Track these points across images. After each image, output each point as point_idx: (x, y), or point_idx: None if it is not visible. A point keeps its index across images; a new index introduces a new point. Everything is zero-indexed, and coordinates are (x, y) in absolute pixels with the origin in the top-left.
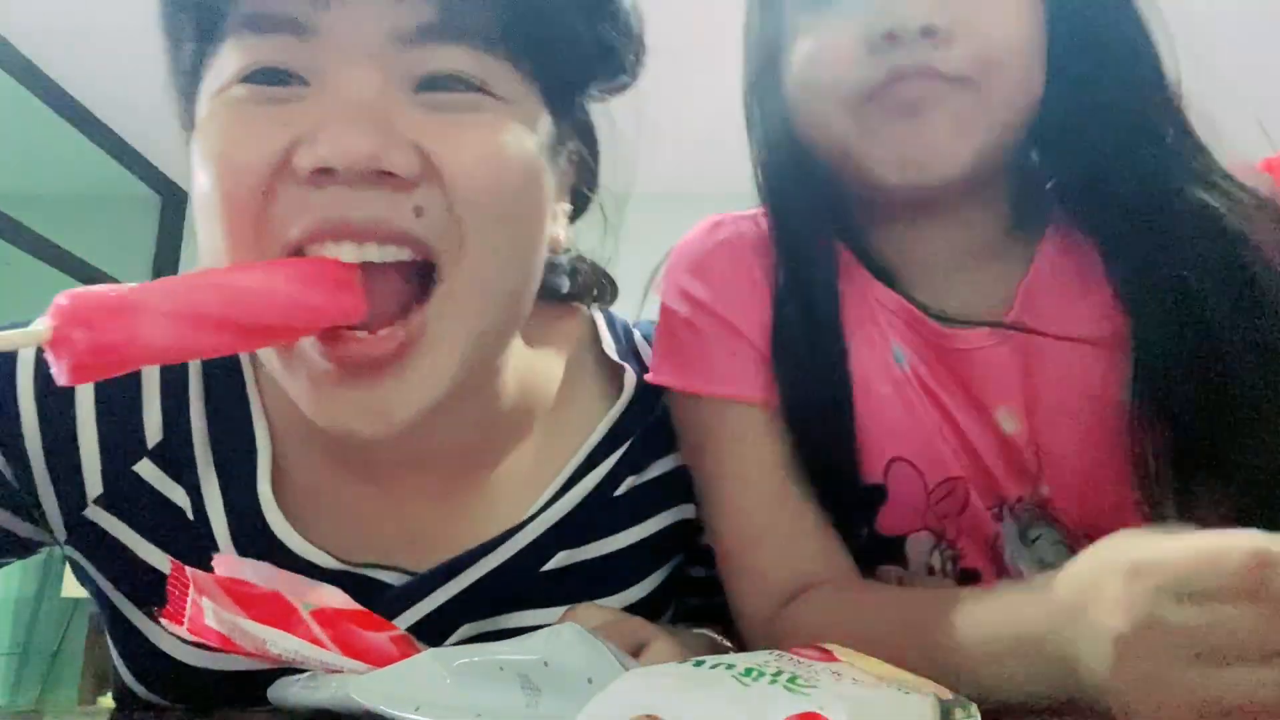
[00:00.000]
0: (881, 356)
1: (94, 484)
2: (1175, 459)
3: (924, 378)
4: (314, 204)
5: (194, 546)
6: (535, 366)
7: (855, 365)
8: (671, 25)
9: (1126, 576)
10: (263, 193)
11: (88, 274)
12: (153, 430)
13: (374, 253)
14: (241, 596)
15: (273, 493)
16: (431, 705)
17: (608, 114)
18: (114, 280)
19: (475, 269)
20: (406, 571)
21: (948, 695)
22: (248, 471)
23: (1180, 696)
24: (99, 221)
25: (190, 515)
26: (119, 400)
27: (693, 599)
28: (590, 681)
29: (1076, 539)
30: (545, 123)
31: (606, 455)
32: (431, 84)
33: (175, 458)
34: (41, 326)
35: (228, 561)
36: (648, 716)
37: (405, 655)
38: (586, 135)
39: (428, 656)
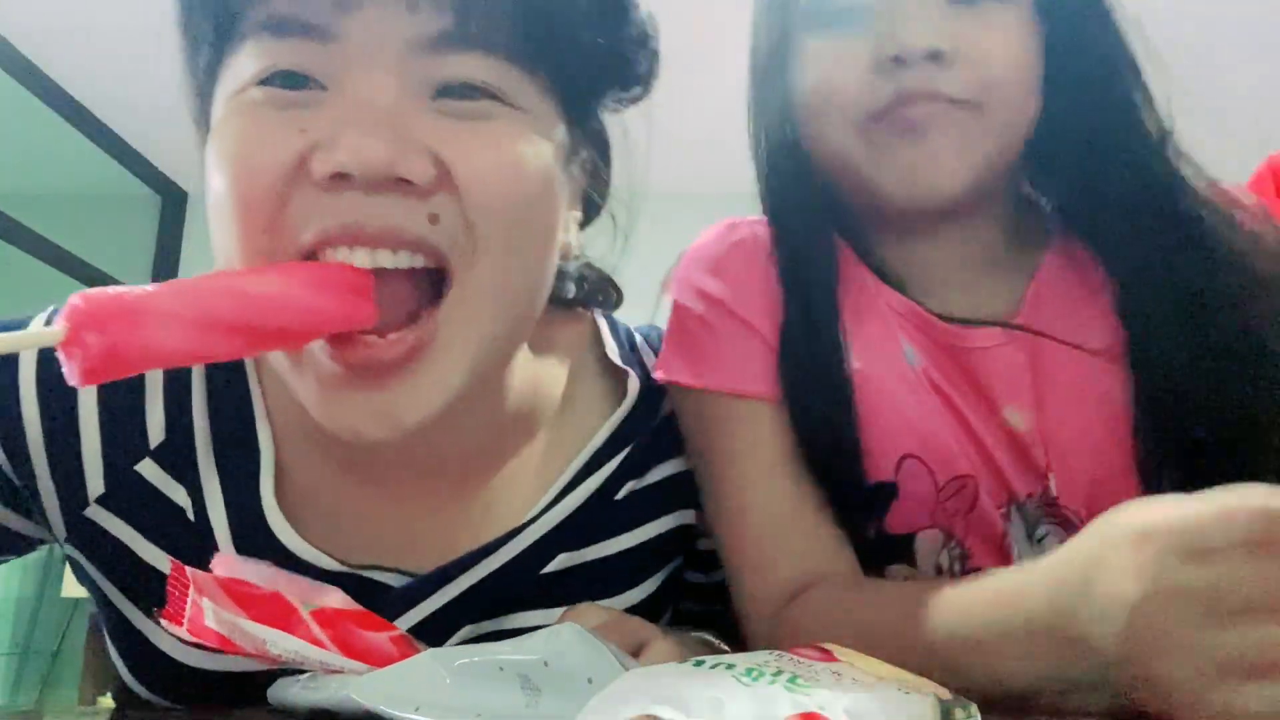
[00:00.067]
0: (892, 354)
1: (95, 483)
2: (1177, 462)
3: (934, 377)
4: (329, 209)
5: (194, 547)
6: (539, 371)
7: (865, 363)
8: (672, 26)
9: (1133, 543)
10: (278, 196)
11: (88, 274)
12: (155, 430)
13: (387, 259)
14: (241, 597)
15: (274, 494)
16: (431, 705)
17: (620, 122)
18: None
19: (487, 276)
20: (407, 573)
21: (947, 695)
22: (250, 472)
23: (1200, 659)
24: (99, 221)
25: (191, 515)
26: (122, 399)
27: (690, 604)
28: (590, 681)
29: None
30: (560, 132)
31: (608, 459)
32: (448, 91)
33: (177, 458)
34: (55, 327)
35: (227, 561)
36: (648, 716)
37: (405, 655)
38: (600, 144)
39: (427, 657)
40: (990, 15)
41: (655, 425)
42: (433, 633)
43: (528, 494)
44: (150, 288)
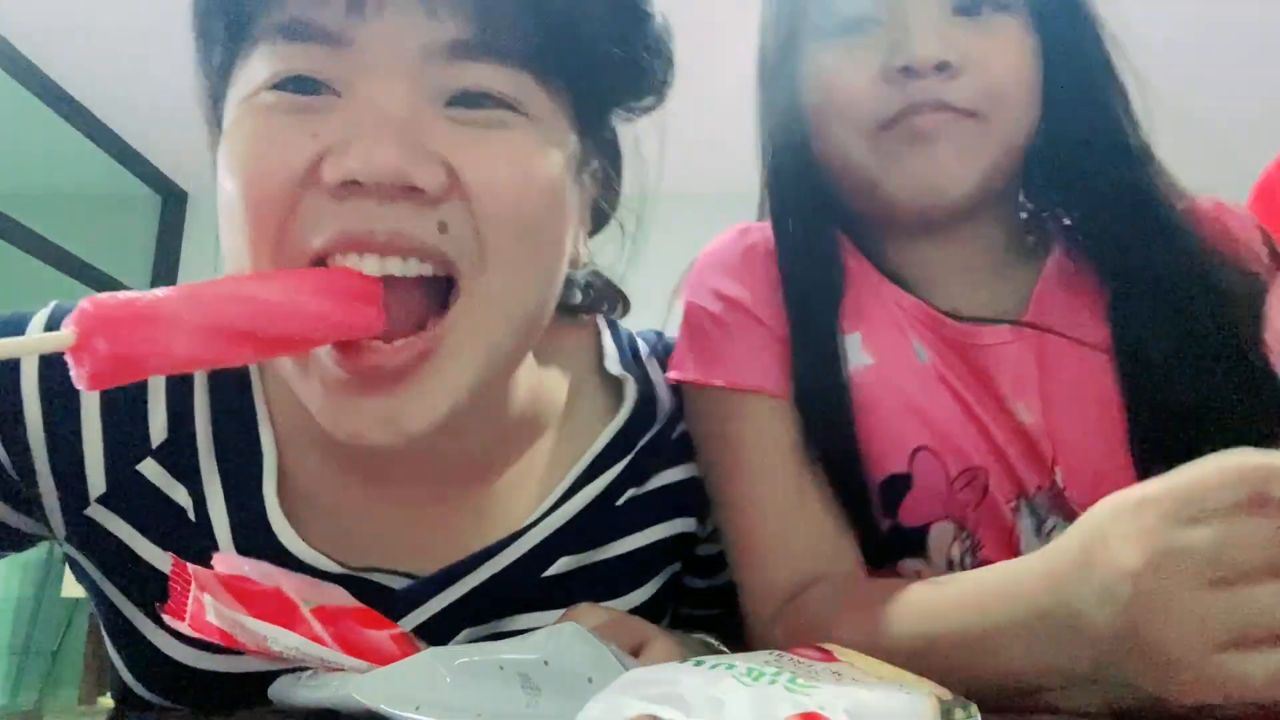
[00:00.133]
0: (902, 350)
1: (97, 482)
2: (1169, 457)
3: (944, 373)
4: (339, 215)
5: (195, 547)
6: (543, 377)
7: (876, 359)
8: (672, 26)
9: (1133, 511)
10: (288, 201)
11: (88, 274)
12: (158, 430)
13: (396, 266)
14: (242, 593)
15: (276, 495)
16: (431, 705)
17: (632, 131)
18: (114, 279)
19: (495, 285)
20: (409, 575)
21: (947, 695)
22: (252, 473)
23: (1203, 623)
24: (99, 221)
25: (192, 516)
26: (125, 399)
27: (690, 609)
28: (590, 681)
29: None
30: (572, 141)
31: (609, 465)
32: (461, 100)
33: (179, 457)
34: (65, 332)
35: (228, 560)
36: (648, 716)
37: (406, 653)
38: (611, 153)
39: (428, 656)
40: (993, 27)
41: (656, 433)
42: (434, 635)
43: (529, 498)
44: (159, 293)
